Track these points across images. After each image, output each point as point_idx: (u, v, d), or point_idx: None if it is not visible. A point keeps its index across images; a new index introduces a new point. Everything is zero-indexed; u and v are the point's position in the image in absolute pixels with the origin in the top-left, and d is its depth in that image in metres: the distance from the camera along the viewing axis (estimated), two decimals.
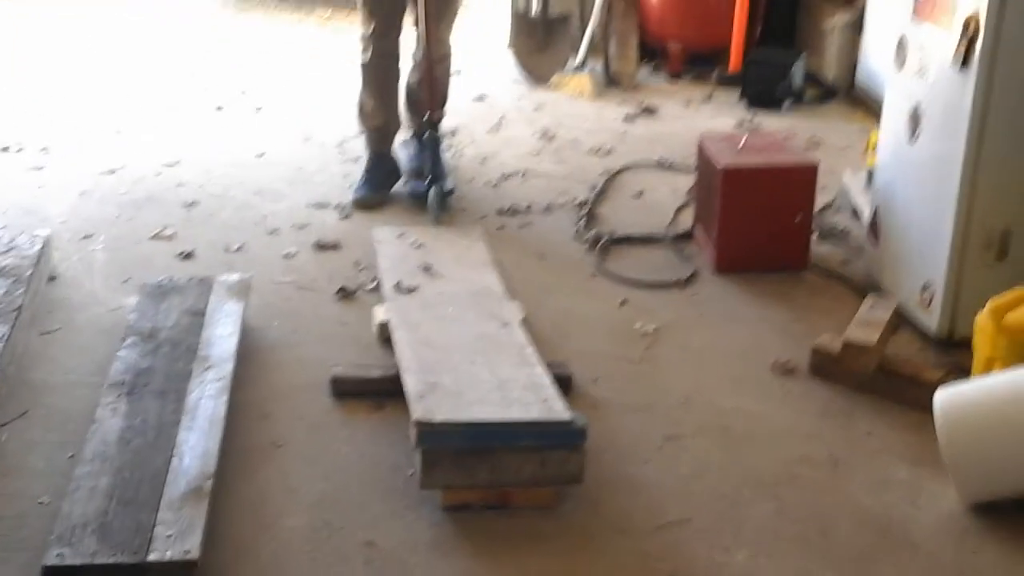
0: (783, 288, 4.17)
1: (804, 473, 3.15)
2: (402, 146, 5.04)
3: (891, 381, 3.48)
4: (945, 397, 3.02)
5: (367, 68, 4.76)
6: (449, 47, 4.78)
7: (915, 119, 3.82)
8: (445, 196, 4.67)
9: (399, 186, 4.86)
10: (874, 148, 4.28)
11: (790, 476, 3.14)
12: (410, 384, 3.15)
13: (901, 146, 3.94)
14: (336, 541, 2.84)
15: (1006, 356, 3.19)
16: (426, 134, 4.71)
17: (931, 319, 3.77)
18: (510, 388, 3.15)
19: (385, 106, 4.83)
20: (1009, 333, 3.20)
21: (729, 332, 3.88)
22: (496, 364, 3.30)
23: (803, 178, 4.22)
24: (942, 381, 3.37)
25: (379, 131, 4.87)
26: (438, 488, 2.95)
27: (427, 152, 4.71)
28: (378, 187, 4.83)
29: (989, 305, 3.25)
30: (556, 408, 3.03)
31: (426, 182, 4.66)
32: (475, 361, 3.32)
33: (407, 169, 4.89)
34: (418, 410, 2.98)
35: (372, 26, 4.66)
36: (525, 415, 3.00)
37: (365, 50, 4.73)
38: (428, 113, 4.71)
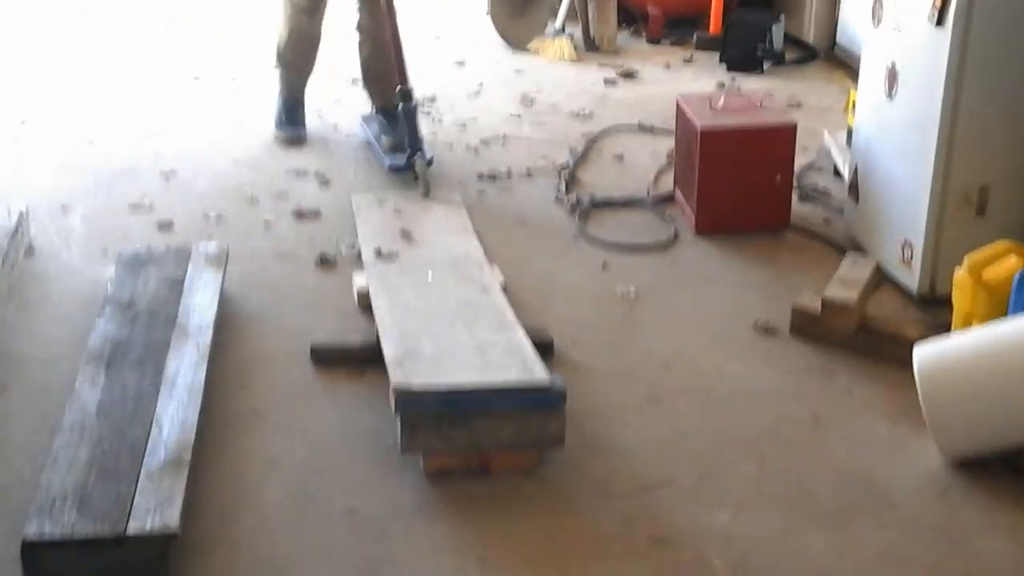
0: (764, 249, 4.16)
1: (785, 432, 3.16)
2: (362, 123, 5.08)
3: (872, 339, 3.48)
4: (924, 353, 3.02)
5: (290, 43, 4.95)
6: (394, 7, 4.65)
7: (892, 77, 3.81)
8: (428, 166, 4.60)
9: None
10: (854, 107, 4.27)
11: (771, 436, 3.14)
12: (389, 350, 3.14)
13: (879, 104, 3.93)
14: (318, 509, 2.84)
15: (984, 311, 3.19)
16: (400, 106, 4.58)
17: (912, 277, 3.77)
18: (489, 352, 3.14)
19: (307, 62, 5.03)
20: (987, 288, 3.20)
21: (710, 294, 3.88)
22: (475, 329, 3.29)
23: (782, 138, 4.21)
24: (922, 338, 3.37)
25: (299, 78, 5.05)
26: (418, 453, 2.94)
27: (404, 124, 4.59)
28: (302, 123, 5.08)
29: (967, 261, 3.25)
30: (535, 371, 3.02)
31: (407, 155, 4.56)
32: (454, 326, 3.31)
33: (381, 144, 4.84)
34: (396, 376, 2.98)
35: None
36: (504, 379, 2.99)
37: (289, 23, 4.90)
38: (399, 87, 4.56)
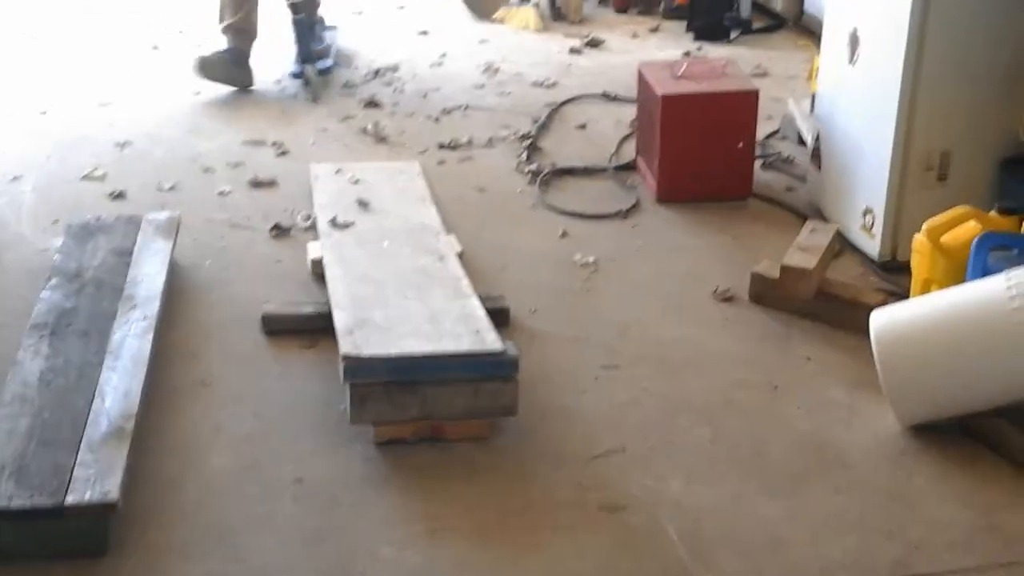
0: (725, 216, 4.12)
1: (741, 399, 3.12)
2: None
3: (831, 305, 3.44)
4: (881, 319, 2.98)
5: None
6: None
7: (854, 42, 3.76)
8: (320, 74, 5.18)
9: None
10: (817, 74, 4.22)
11: (726, 402, 3.11)
12: (340, 320, 3.09)
13: (841, 70, 3.88)
14: (264, 478, 2.79)
15: (944, 277, 3.16)
16: (291, 18, 5.10)
17: (873, 243, 3.73)
18: (442, 320, 3.09)
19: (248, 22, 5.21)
20: (946, 253, 3.16)
21: (670, 262, 3.83)
22: (429, 297, 3.24)
23: (744, 104, 4.15)
24: (882, 304, 3.34)
25: (243, 36, 5.20)
26: (368, 423, 2.90)
27: (294, 35, 5.18)
28: (248, 68, 5.21)
29: (926, 226, 3.21)
30: (488, 339, 2.98)
31: (298, 64, 5.18)
32: (408, 295, 3.26)
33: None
34: (346, 345, 2.93)
35: None
36: (456, 347, 2.95)
37: None
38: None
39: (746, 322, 3.48)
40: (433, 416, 2.89)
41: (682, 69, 4.27)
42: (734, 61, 4.50)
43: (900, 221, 3.65)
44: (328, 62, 5.38)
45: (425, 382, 2.87)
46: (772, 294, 3.50)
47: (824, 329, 3.42)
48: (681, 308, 3.56)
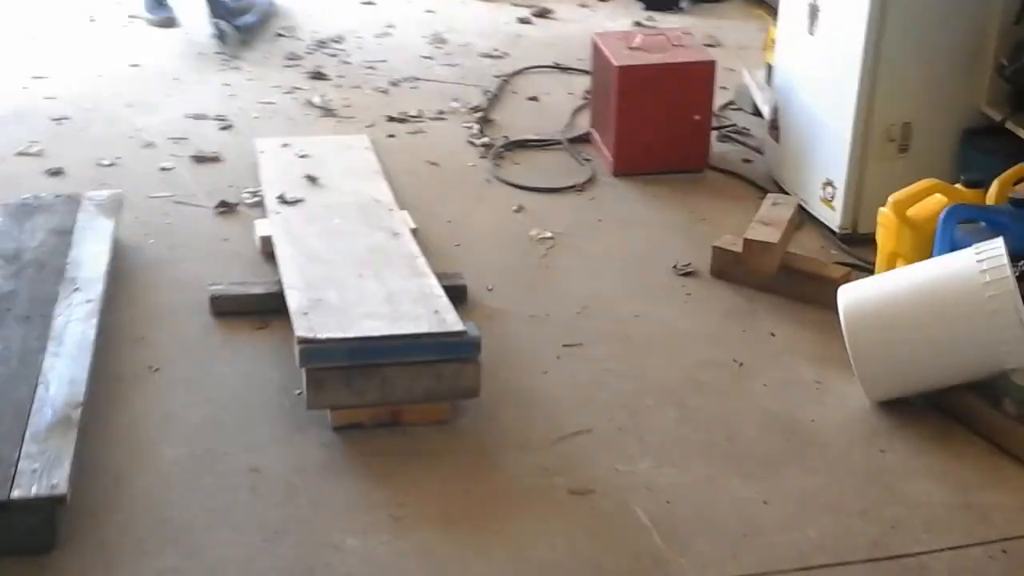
0: (682, 189, 4.05)
1: (707, 378, 3.05)
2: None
3: (794, 279, 3.39)
4: (849, 295, 2.92)
5: None
6: None
7: (814, 12, 3.69)
8: (238, 31, 5.22)
9: None
10: (773, 44, 4.15)
11: (692, 381, 3.04)
12: (293, 301, 2.98)
13: (800, 41, 3.81)
14: (219, 468, 2.68)
15: (910, 251, 3.11)
16: None
17: (834, 215, 3.68)
18: (400, 300, 2.99)
19: None
20: (913, 226, 3.11)
21: (628, 236, 3.75)
22: (385, 276, 3.14)
23: (701, 75, 4.08)
24: (846, 278, 3.29)
25: None
26: (326, 408, 2.79)
27: None
28: (168, 6, 5.38)
29: (891, 199, 3.16)
30: (448, 319, 2.88)
31: (213, 21, 5.19)
32: (363, 274, 3.15)
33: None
34: (301, 327, 2.82)
35: None
36: (415, 328, 2.85)
37: None
38: None
39: (708, 297, 3.41)
40: (393, 400, 2.80)
41: (637, 40, 4.18)
42: (688, 31, 4.42)
43: (861, 193, 3.60)
44: (250, 18, 5.41)
45: (384, 365, 2.77)
46: (734, 269, 3.44)
47: (787, 303, 3.36)
48: (641, 284, 3.48)
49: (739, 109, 4.65)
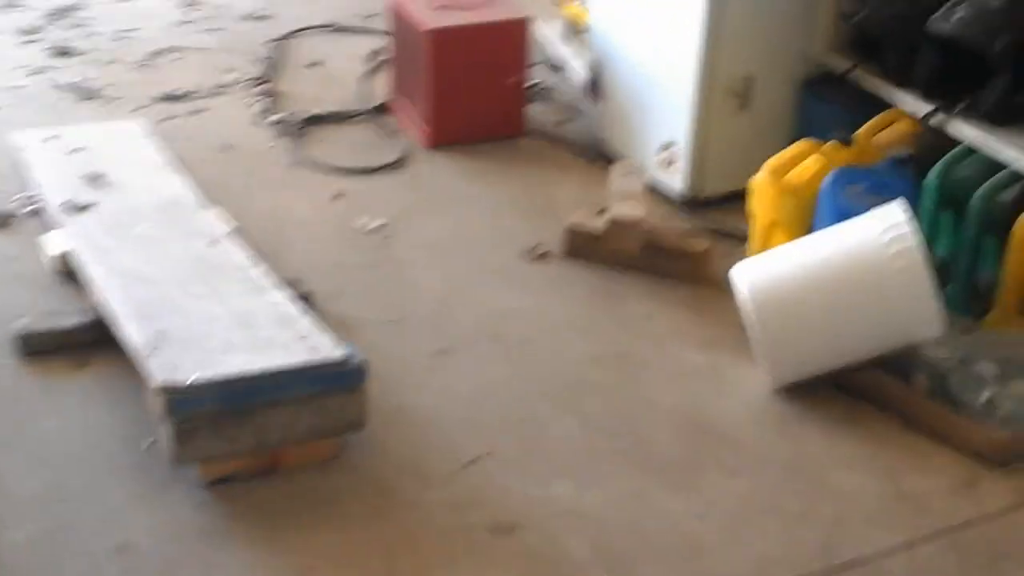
0: (504, 159, 3.78)
1: (596, 375, 2.83)
2: None
3: (654, 255, 3.19)
4: (749, 277, 2.74)
5: None
6: None
7: None
8: None
9: None
10: None
11: (582, 381, 2.81)
12: (132, 335, 2.54)
13: None
14: (76, 548, 2.26)
15: (790, 219, 2.96)
16: None
17: (675, 179, 3.49)
18: (255, 325, 2.61)
19: None
20: (792, 192, 2.96)
21: (464, 217, 3.46)
22: (224, 294, 2.75)
23: (515, 34, 3.80)
24: (709, 251, 3.13)
25: None
26: (195, 462, 2.40)
27: None
28: None
29: (767, 166, 3.01)
30: (323, 345, 2.52)
31: None
32: (199, 295, 2.74)
33: None
34: (158, 371, 2.40)
35: None
36: (289, 359, 2.48)
37: None
38: None
39: (571, 283, 3.17)
40: (272, 443, 2.43)
41: None
42: None
43: (706, 154, 3.43)
44: None
45: (259, 406, 2.40)
46: (593, 248, 3.21)
47: (652, 281, 3.16)
48: (495, 272, 3.21)
49: (536, 64, 4.39)
